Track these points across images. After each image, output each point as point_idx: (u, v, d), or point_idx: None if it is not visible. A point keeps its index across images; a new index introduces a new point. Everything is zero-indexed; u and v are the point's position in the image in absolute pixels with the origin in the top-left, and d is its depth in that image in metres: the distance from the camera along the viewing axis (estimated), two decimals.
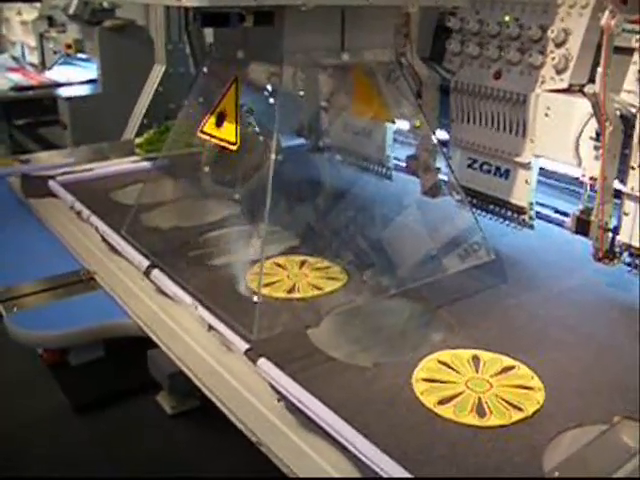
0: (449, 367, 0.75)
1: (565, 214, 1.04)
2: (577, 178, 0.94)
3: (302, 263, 0.97)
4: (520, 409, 0.68)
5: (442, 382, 0.72)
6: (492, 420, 0.67)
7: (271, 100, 0.95)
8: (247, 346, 0.75)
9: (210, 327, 0.80)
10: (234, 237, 1.07)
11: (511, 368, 0.75)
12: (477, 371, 0.74)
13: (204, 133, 0.95)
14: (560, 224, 1.03)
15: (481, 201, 1.09)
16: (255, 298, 0.83)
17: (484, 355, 0.77)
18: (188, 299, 0.85)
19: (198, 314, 0.83)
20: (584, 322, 0.85)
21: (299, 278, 0.93)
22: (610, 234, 0.90)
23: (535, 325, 0.84)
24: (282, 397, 0.69)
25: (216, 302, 0.84)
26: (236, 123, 0.90)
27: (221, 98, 0.94)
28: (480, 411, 0.68)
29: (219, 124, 0.92)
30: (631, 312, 0.86)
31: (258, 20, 0.83)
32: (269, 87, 0.95)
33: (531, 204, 1.02)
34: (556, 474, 0.59)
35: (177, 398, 1.47)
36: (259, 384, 0.72)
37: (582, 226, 0.91)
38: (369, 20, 0.94)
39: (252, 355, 0.74)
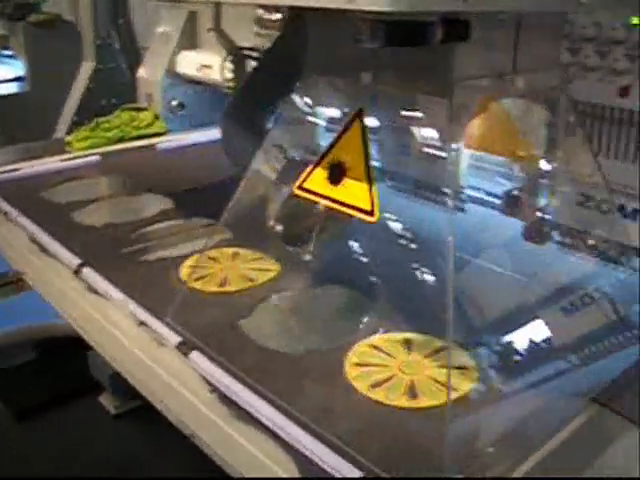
0: (381, 351, 0.76)
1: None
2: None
3: (234, 255, 0.96)
4: (453, 389, 0.69)
5: (375, 366, 0.73)
6: (424, 402, 0.68)
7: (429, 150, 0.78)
8: (179, 340, 0.75)
9: (141, 323, 0.80)
10: (168, 232, 1.06)
11: (443, 349, 0.76)
12: (409, 354, 0.75)
13: (305, 191, 0.70)
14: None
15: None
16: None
17: (416, 338, 0.78)
18: (119, 296, 0.85)
19: (129, 310, 0.82)
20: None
21: (231, 270, 0.92)
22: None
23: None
24: (214, 389, 0.69)
25: (147, 297, 0.84)
26: (368, 180, 0.65)
27: (336, 140, 0.69)
28: (412, 393, 0.69)
29: (335, 180, 0.67)
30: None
31: (449, 33, 0.59)
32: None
33: None
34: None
35: (120, 398, 1.46)
36: (192, 377, 0.72)
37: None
38: (540, 32, 0.73)
39: (184, 348, 0.74)
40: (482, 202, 1.01)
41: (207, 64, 1.52)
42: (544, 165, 0.87)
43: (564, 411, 0.66)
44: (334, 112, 0.84)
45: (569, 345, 0.75)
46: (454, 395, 0.68)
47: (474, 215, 0.96)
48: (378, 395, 0.68)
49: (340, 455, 0.59)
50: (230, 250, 0.97)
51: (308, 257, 0.85)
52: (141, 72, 1.68)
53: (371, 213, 0.63)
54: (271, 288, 0.88)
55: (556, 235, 0.89)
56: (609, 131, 0.84)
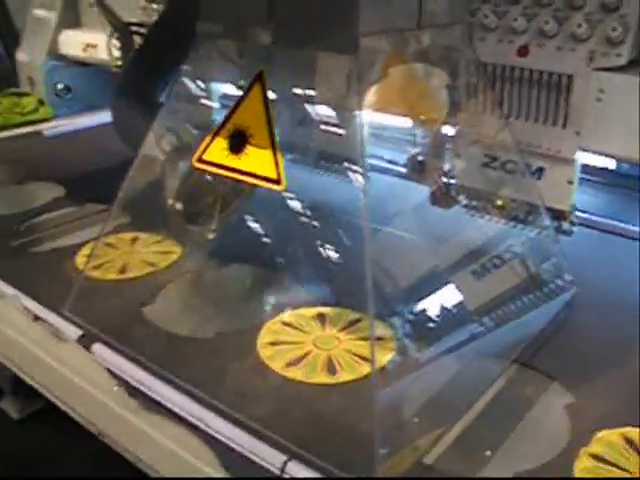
0: (294, 328, 0.73)
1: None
2: None
3: (133, 240, 0.91)
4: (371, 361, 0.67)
5: (288, 344, 0.70)
6: (343, 376, 0.65)
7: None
8: (79, 333, 0.70)
9: (36, 317, 0.74)
10: (60, 221, 1.00)
11: (358, 321, 0.74)
12: (324, 328, 0.73)
13: (205, 163, 0.65)
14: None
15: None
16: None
17: (329, 311, 0.75)
18: (10, 291, 0.78)
19: (22, 305, 0.76)
20: None
21: (131, 256, 0.87)
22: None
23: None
24: (122, 382, 0.64)
25: (41, 291, 0.78)
26: (272, 147, 0.61)
27: (235, 106, 0.64)
28: (331, 368, 0.66)
29: (237, 149, 0.63)
30: None
31: None
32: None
33: (573, 207, 0.83)
34: None
35: (23, 401, 1.38)
36: (96, 372, 0.67)
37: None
38: None
39: (85, 342, 0.69)
40: (386, 170, 1.00)
41: (92, 43, 1.44)
42: (447, 128, 0.86)
43: (485, 374, 0.66)
44: (230, 81, 0.80)
45: (485, 308, 0.74)
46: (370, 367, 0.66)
47: (378, 184, 0.95)
48: (295, 374, 0.65)
49: (261, 440, 0.56)
50: (128, 235, 0.92)
51: (211, 236, 0.81)
52: (20, 55, 1.58)
53: (278, 182, 0.59)
54: (174, 271, 0.84)
55: (463, 198, 0.88)
56: (510, 91, 0.83)
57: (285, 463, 0.54)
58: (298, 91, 0.83)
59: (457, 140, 0.87)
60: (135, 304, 0.76)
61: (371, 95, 0.78)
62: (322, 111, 0.84)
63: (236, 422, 0.58)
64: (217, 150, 0.64)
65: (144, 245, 0.90)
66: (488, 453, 0.56)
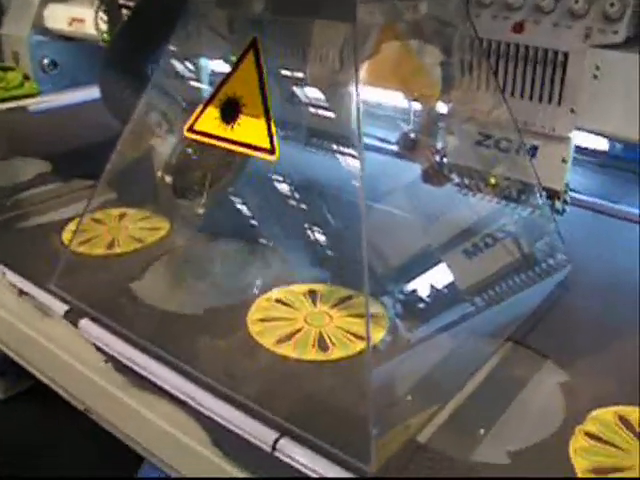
0: (285, 304, 0.72)
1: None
2: None
3: (121, 216, 0.90)
4: (364, 338, 0.66)
5: (279, 320, 0.69)
6: (335, 353, 0.64)
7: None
8: (66, 308, 0.68)
9: (21, 292, 0.73)
10: (46, 196, 0.98)
11: (349, 298, 0.73)
12: (315, 305, 0.72)
13: (196, 133, 0.64)
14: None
15: None
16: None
17: (320, 288, 0.74)
18: None
19: (7, 280, 0.74)
20: None
21: (119, 232, 0.86)
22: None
23: None
24: (109, 358, 0.63)
25: (27, 266, 0.76)
26: (266, 116, 0.59)
27: (228, 75, 0.62)
28: (322, 345, 0.65)
29: (229, 118, 0.61)
30: None
31: None
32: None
33: (567, 186, 0.82)
34: None
35: (9, 380, 1.37)
36: (84, 348, 0.66)
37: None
38: None
39: (72, 317, 0.67)
40: (377, 149, 0.98)
41: (79, 17, 1.41)
42: (441, 105, 0.85)
43: (478, 352, 0.65)
44: (220, 57, 0.79)
45: (478, 287, 0.74)
46: (363, 345, 0.65)
47: (370, 162, 0.94)
48: (285, 350, 0.64)
49: (253, 417, 0.55)
50: (116, 211, 0.90)
51: (201, 210, 0.79)
52: (4, 29, 1.55)
53: (271, 151, 0.58)
54: (162, 247, 0.82)
55: (456, 177, 0.87)
56: (505, 68, 0.81)
57: (276, 440, 0.53)
58: (290, 66, 0.82)
59: (450, 117, 0.86)
60: (123, 279, 0.75)
61: (364, 70, 0.77)
62: (315, 86, 0.83)
63: (227, 399, 0.57)
64: (209, 119, 0.62)
65: (132, 221, 0.89)
66: (482, 432, 0.56)
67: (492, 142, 0.85)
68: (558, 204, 0.82)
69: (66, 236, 0.85)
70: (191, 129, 0.63)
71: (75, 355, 0.65)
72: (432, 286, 0.75)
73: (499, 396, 0.60)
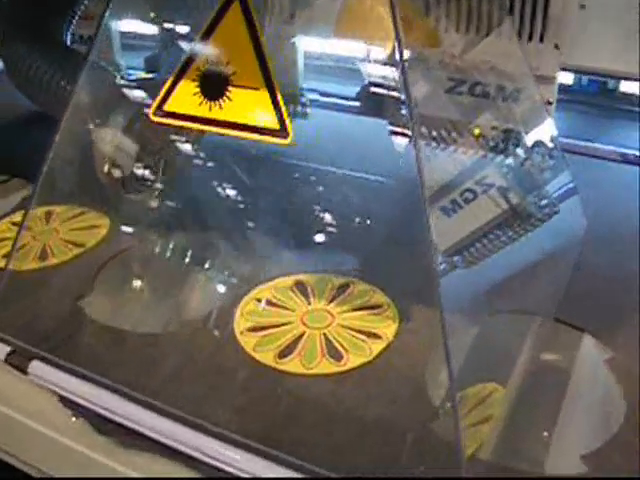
0: (274, 305, 0.60)
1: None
2: None
3: (48, 215, 0.74)
4: (377, 336, 0.56)
5: (273, 327, 0.57)
6: (352, 361, 0.53)
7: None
8: (8, 349, 0.54)
9: None
10: None
11: (345, 287, 0.62)
12: (309, 301, 0.60)
13: (167, 115, 0.49)
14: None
15: None
16: None
17: (308, 278, 0.63)
18: None
19: None
20: None
21: (49, 236, 0.70)
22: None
23: None
24: (77, 409, 0.50)
25: None
26: (268, 86, 0.46)
27: (204, 34, 0.47)
28: (333, 353, 0.54)
29: (214, 93, 0.47)
30: None
31: None
32: None
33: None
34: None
35: None
36: (38, 399, 0.52)
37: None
38: None
39: (18, 361, 0.53)
40: (334, 106, 0.88)
41: None
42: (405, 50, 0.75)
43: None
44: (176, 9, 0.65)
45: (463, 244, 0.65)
46: (383, 344, 0.55)
47: (328, 121, 0.83)
48: (292, 366, 0.53)
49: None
50: (41, 210, 0.75)
51: (155, 204, 0.66)
52: None
53: (282, 133, 0.44)
54: (107, 250, 0.68)
55: (425, 129, 0.78)
56: (478, 1, 0.70)
57: None
58: None
59: (414, 64, 0.76)
60: (69, 299, 0.61)
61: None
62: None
63: (237, 445, 0.45)
64: (183, 97, 0.48)
65: (62, 220, 0.74)
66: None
67: (465, 88, 0.76)
68: None
69: None
70: (159, 111, 0.48)
71: (28, 413, 0.51)
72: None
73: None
